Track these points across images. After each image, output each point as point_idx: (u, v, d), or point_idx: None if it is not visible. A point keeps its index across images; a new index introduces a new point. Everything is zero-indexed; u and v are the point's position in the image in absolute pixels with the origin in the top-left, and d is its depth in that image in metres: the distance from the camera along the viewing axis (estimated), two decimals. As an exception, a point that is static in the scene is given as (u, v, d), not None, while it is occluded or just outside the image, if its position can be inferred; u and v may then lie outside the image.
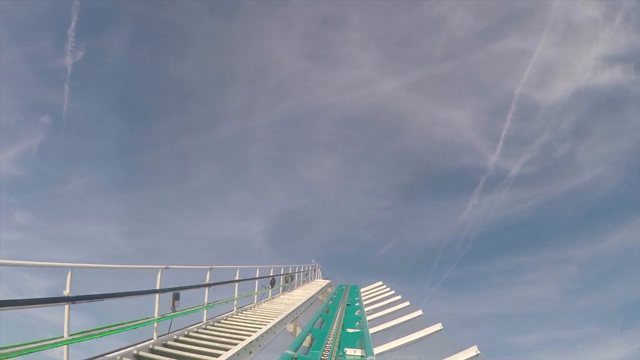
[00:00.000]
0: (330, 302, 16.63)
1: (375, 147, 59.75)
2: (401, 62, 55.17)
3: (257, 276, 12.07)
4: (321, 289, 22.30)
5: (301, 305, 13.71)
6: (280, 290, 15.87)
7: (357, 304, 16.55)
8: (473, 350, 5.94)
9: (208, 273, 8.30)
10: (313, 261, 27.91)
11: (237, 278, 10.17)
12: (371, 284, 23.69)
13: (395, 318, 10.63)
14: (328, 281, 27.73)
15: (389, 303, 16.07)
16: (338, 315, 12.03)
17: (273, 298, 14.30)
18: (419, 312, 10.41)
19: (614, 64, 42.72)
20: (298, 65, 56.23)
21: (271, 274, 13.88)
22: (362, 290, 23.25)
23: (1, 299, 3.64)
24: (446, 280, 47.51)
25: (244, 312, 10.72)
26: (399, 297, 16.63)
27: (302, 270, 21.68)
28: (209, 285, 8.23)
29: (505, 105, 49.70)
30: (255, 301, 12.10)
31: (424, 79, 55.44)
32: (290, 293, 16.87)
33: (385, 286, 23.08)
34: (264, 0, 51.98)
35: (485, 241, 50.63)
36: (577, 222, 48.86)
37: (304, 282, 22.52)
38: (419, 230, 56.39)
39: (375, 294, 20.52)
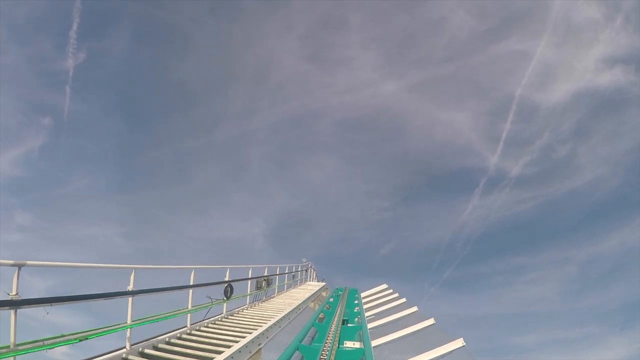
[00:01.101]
0: (321, 316, 11.92)
1: (376, 148, 59.84)
2: (402, 63, 54.89)
3: (191, 282, 7.30)
4: (313, 295, 17.61)
5: (274, 324, 8.99)
6: (248, 302, 11.11)
7: (356, 318, 11.90)
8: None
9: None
10: (304, 260, 23.16)
11: (130, 288, 5.42)
12: (373, 285, 19.98)
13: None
14: (323, 284, 23.08)
15: (402, 317, 11.88)
16: (327, 350, 7.34)
17: (231, 315, 9.55)
18: (415, 309, 11.04)
19: (615, 65, 42.34)
20: (299, 66, 55.88)
21: (227, 279, 9.11)
22: (362, 295, 18.74)
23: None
24: (446, 280, 47.41)
25: (150, 349, 5.95)
26: (414, 309, 12.03)
27: (286, 271, 16.91)
28: (42, 302, 3.49)
29: (505, 106, 49.51)
30: (188, 324, 7.33)
31: (424, 81, 55.38)
32: (263, 305, 12.10)
33: (391, 290, 18.61)
34: (264, 1, 51.22)
35: (485, 242, 50.72)
36: (577, 223, 48.80)
37: (290, 287, 17.79)
38: (419, 231, 56.46)
39: (379, 301, 16.03)
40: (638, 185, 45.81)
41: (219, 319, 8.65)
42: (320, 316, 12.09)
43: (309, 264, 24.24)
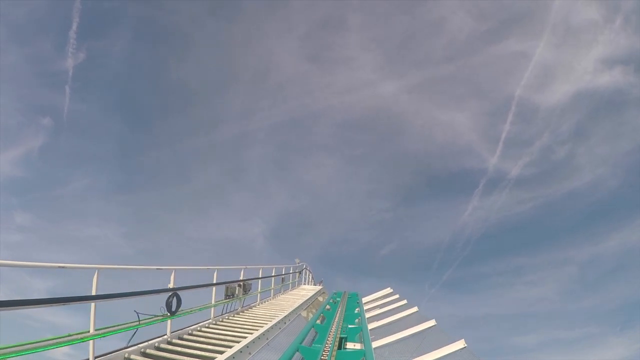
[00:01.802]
0: (312, 334, 9.14)
1: (376, 148, 58.97)
2: (402, 64, 54.37)
3: (93, 291, 4.56)
4: (306, 301, 14.86)
5: (240, 351, 6.24)
6: (212, 315, 8.32)
7: (358, 335, 9.16)
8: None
9: None
10: (297, 260, 20.39)
11: None
12: (373, 287, 18.81)
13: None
14: (319, 287, 20.34)
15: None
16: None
17: (180, 338, 6.77)
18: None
19: (614, 66, 42.05)
20: (299, 67, 55.21)
21: (171, 285, 6.33)
22: (364, 301, 16.04)
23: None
24: (446, 281, 46.90)
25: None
26: (432, 322, 9.32)
27: (273, 274, 14.13)
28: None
29: (505, 107, 49.39)
30: (90, 357, 4.58)
31: (424, 81, 54.70)
32: (235, 319, 9.30)
33: (397, 295, 15.93)
34: (264, 1, 50.68)
35: (485, 242, 50.53)
36: (576, 223, 48.61)
37: (278, 292, 15.03)
38: (419, 231, 55.87)
39: (384, 309, 13.32)
40: (638, 185, 45.58)
41: (157, 345, 5.87)
42: (311, 333, 9.36)
43: (303, 264, 21.48)
